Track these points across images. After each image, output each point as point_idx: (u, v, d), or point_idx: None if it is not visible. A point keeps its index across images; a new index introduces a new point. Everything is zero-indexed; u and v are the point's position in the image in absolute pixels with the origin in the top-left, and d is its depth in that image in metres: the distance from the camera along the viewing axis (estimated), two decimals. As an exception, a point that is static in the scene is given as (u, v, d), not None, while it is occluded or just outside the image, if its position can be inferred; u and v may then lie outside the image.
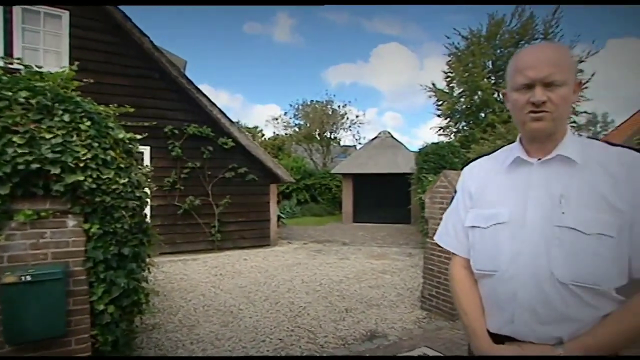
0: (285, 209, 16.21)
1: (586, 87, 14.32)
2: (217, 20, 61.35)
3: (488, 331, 1.10)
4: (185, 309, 4.52)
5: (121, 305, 2.66)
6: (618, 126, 18.62)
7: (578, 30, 26.60)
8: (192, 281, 5.74)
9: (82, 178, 2.34)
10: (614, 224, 0.93)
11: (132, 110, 3.02)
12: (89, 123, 2.43)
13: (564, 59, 1.01)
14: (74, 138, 2.37)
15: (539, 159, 1.05)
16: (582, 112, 14.98)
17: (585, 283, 0.94)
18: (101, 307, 2.50)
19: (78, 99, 2.54)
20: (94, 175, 2.41)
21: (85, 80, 2.88)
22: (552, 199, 1.00)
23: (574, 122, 15.11)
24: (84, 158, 2.34)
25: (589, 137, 1.13)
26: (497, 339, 1.06)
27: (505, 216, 1.06)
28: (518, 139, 1.14)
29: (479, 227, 1.13)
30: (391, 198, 14.23)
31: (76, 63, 2.79)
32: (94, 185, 2.42)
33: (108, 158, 2.52)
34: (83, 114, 2.45)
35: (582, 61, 14.11)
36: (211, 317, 4.24)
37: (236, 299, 4.88)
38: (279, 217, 11.78)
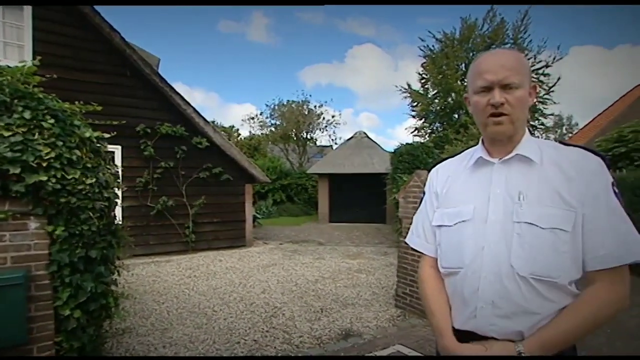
0: (261, 209, 16.09)
1: (553, 91, 14.95)
2: (191, 19, 60.40)
3: (454, 328, 1.12)
4: (158, 311, 4.41)
5: (88, 310, 2.57)
6: (581, 128, 19.51)
7: (545, 36, 27.44)
8: (166, 283, 5.61)
9: (45, 178, 2.24)
10: (569, 219, 0.98)
11: (100, 108, 2.91)
12: (52, 121, 2.33)
13: (519, 63, 1.06)
14: (36, 136, 2.26)
15: (500, 159, 1.10)
16: (549, 115, 15.61)
17: (543, 276, 0.98)
18: (66, 312, 2.40)
19: (40, 95, 2.43)
20: (59, 175, 2.31)
21: (48, 75, 2.75)
22: (512, 196, 1.04)
23: (542, 124, 15.74)
24: (47, 157, 2.24)
25: (544, 139, 1.19)
26: (462, 335, 1.09)
27: (468, 214, 1.10)
28: (480, 140, 1.19)
29: (444, 225, 1.16)
30: (367, 198, 14.38)
31: (38, 57, 2.65)
32: (58, 186, 2.32)
33: (74, 157, 2.42)
34: (46, 111, 2.35)
35: (549, 66, 14.71)
36: (185, 320, 4.15)
37: (210, 301, 4.81)
38: (254, 218, 11.68)
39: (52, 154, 2.27)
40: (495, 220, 1.05)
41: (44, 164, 2.25)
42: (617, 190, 1.00)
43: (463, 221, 1.10)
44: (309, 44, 61.34)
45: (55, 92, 2.67)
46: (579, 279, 1.02)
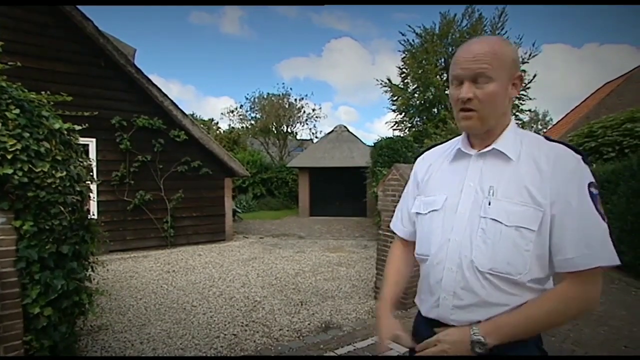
0: (241, 203, 15.96)
1: (529, 87, 15.32)
2: (162, 9, 58.92)
3: (422, 314, 1.17)
4: (135, 307, 4.32)
5: (60, 307, 2.49)
6: (555, 124, 20.13)
7: (518, 33, 28.00)
8: (143, 279, 5.50)
9: (10, 171, 2.15)
10: (536, 218, 0.95)
11: (69, 99, 2.79)
12: (17, 111, 2.22)
13: (493, 54, 0.99)
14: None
15: (478, 151, 1.08)
16: (526, 111, 16.01)
17: (502, 272, 0.97)
18: (36, 310, 2.32)
19: (3, 83, 2.31)
20: (25, 168, 2.22)
21: (11, 63, 2.61)
22: (483, 190, 1.03)
23: (519, 119, 16.13)
24: (12, 149, 2.14)
25: (533, 132, 1.13)
26: (429, 322, 1.12)
27: (439, 204, 1.10)
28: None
29: (420, 213, 1.17)
30: (347, 191, 14.47)
31: (0, 44, 2.52)
32: (25, 179, 2.23)
33: (42, 150, 2.33)
34: (10, 100, 2.24)
35: (525, 62, 15.05)
36: (163, 315, 4.09)
37: (189, 296, 4.75)
38: (234, 212, 11.58)
39: (18, 146, 2.18)
40: (463, 212, 1.04)
41: (9, 157, 2.15)
42: (594, 192, 0.96)
43: (434, 210, 1.11)
44: (285, 37, 60.99)
45: (20, 81, 2.55)
46: (544, 278, 1.00)
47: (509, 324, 0.97)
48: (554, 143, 1.02)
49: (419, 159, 1.31)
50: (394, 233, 1.36)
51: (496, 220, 0.98)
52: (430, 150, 1.29)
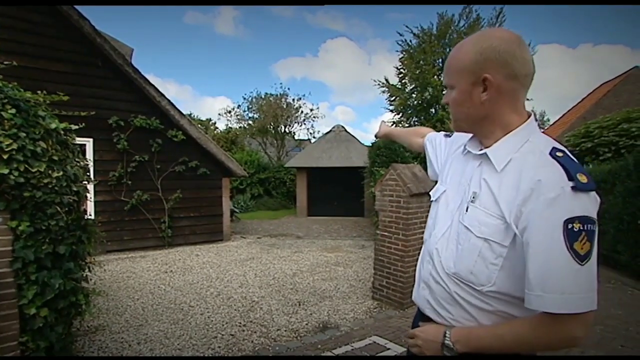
0: (239, 203, 15.93)
1: (526, 87, 15.34)
2: (158, 9, 58.92)
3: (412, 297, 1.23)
4: (133, 308, 4.31)
5: (56, 308, 2.48)
6: (552, 124, 20.20)
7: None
8: (141, 279, 5.49)
9: (6, 171, 2.14)
10: (508, 235, 0.90)
11: (66, 98, 2.78)
12: (13, 111, 2.21)
13: (454, 60, 1.00)
14: (-4, 127, 2.15)
15: (480, 150, 1.04)
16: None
17: (463, 279, 0.98)
18: (32, 311, 2.31)
19: None
20: (22, 169, 2.21)
21: (7, 62, 2.60)
22: (468, 194, 1.02)
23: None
24: (8, 149, 2.13)
25: (543, 139, 0.97)
26: (422, 315, 1.15)
27: (437, 195, 1.16)
28: None
29: (431, 198, 1.22)
30: (345, 191, 14.45)
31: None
32: (21, 179, 2.21)
33: (38, 150, 2.32)
34: (6, 100, 2.23)
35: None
36: (160, 316, 4.08)
37: (187, 296, 4.74)
38: (232, 212, 11.56)
39: (14, 146, 2.16)
40: (452, 210, 1.06)
41: (5, 157, 2.14)
42: (576, 228, 0.81)
43: (434, 200, 1.17)
44: (281, 37, 61.17)
45: (16, 80, 2.54)
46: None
47: (478, 337, 0.96)
48: (551, 161, 0.88)
49: (459, 135, 1.23)
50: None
51: (468, 228, 0.97)
52: (461, 135, 1.20)
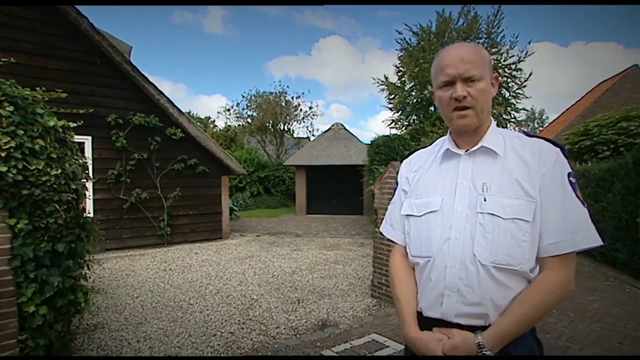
0: (238, 201, 15.93)
1: (525, 86, 15.36)
2: (148, 9, 58.85)
3: (423, 315, 1.14)
4: (132, 306, 4.31)
5: (55, 306, 2.47)
6: (551, 122, 20.21)
7: (507, 32, 28.04)
8: (140, 277, 5.49)
9: (4, 169, 2.12)
10: (529, 209, 1.01)
11: (64, 95, 2.76)
12: (11, 108, 2.20)
13: (478, 56, 1.09)
14: (-6, 125, 2.14)
15: (467, 151, 1.12)
16: (521, 109, 16.04)
17: (502, 264, 1.01)
18: (31, 309, 2.30)
19: (-3, 80, 2.29)
20: (20, 166, 2.20)
21: (4, 59, 2.58)
22: (477, 188, 1.07)
23: (515, 118, 16.17)
24: (5, 147, 2.12)
25: (510, 130, 1.21)
26: (430, 321, 1.11)
27: (437, 205, 1.12)
28: (448, 132, 1.21)
29: (413, 215, 1.18)
30: (344, 189, 14.46)
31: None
32: (19, 177, 2.20)
33: (36, 147, 2.31)
34: (4, 97, 2.22)
35: (522, 61, 15.08)
36: (159, 314, 4.08)
37: (186, 294, 4.74)
38: (231, 210, 11.55)
39: (12, 144, 2.15)
40: (461, 211, 1.07)
41: (3, 154, 2.13)
42: (573, 180, 1.04)
43: (431, 212, 1.13)
44: (271, 36, 61.16)
45: (14, 78, 2.52)
46: (535, 267, 1.04)
47: (507, 329, 0.99)
48: (534, 138, 1.10)
49: (405, 161, 1.33)
50: (392, 241, 1.30)
51: (494, 214, 1.02)
52: (415, 154, 1.32)
